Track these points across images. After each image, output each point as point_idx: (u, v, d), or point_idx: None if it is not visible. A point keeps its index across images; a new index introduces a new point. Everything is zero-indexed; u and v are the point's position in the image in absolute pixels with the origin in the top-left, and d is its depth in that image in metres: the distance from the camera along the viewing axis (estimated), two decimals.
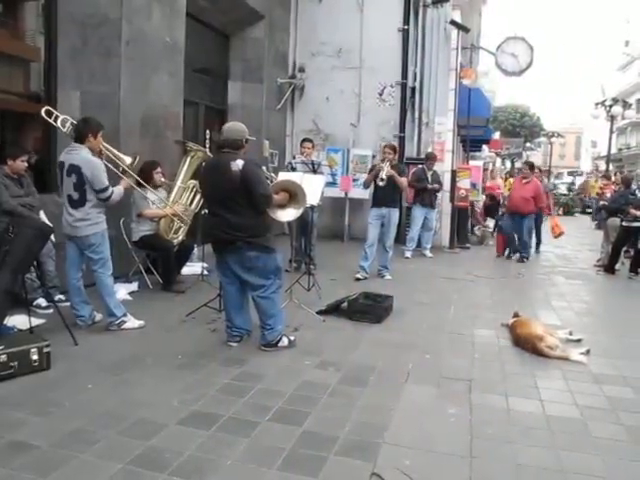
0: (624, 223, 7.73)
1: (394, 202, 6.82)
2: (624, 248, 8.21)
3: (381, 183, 6.54)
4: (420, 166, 8.98)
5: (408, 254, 8.58)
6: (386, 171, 6.52)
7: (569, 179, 34.77)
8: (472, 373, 3.73)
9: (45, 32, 5.79)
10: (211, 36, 8.97)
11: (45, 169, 5.82)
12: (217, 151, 4.04)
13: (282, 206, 4.30)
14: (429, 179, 8.75)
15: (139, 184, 5.34)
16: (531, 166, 9.40)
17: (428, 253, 8.85)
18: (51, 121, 4.51)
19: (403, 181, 6.78)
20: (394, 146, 7.00)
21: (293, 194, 4.32)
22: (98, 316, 4.49)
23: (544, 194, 9.14)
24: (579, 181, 29.98)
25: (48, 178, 5.79)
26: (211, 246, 4.14)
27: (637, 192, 7.93)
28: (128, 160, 4.76)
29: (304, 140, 7.19)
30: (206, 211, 4.27)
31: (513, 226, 8.94)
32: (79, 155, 4.16)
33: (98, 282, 4.31)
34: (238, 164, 3.75)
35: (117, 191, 4.34)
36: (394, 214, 6.80)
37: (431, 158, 8.90)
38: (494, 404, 3.26)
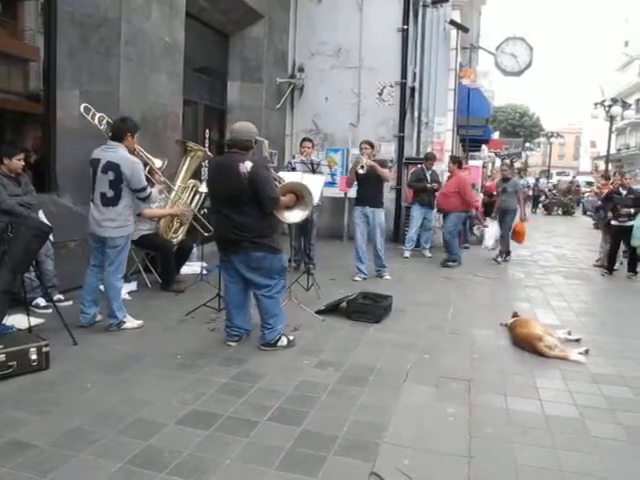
0: (613, 222, 7.76)
1: (378, 201, 6.75)
2: (623, 248, 8.21)
3: (361, 171, 6.51)
4: (419, 166, 8.99)
5: (407, 254, 8.57)
6: (365, 161, 6.53)
7: (557, 179, 34.64)
8: (471, 373, 3.73)
9: (44, 32, 5.79)
10: (210, 35, 8.96)
11: (44, 169, 5.82)
12: (225, 150, 4.02)
13: (289, 207, 4.30)
14: (428, 179, 8.75)
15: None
16: (455, 161, 8.44)
17: (427, 253, 8.84)
18: (89, 118, 4.55)
19: (385, 172, 6.75)
20: (370, 141, 6.99)
21: (300, 195, 4.32)
22: (99, 316, 4.48)
23: (470, 188, 8.23)
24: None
25: (47, 178, 5.78)
26: (216, 245, 4.13)
27: (620, 189, 7.91)
28: (158, 163, 4.78)
29: (304, 140, 7.19)
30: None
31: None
32: (117, 153, 4.15)
33: (107, 283, 4.30)
34: (247, 166, 3.73)
35: (153, 193, 4.38)
36: (378, 214, 6.73)
37: (430, 158, 8.88)
38: (493, 404, 3.26)
